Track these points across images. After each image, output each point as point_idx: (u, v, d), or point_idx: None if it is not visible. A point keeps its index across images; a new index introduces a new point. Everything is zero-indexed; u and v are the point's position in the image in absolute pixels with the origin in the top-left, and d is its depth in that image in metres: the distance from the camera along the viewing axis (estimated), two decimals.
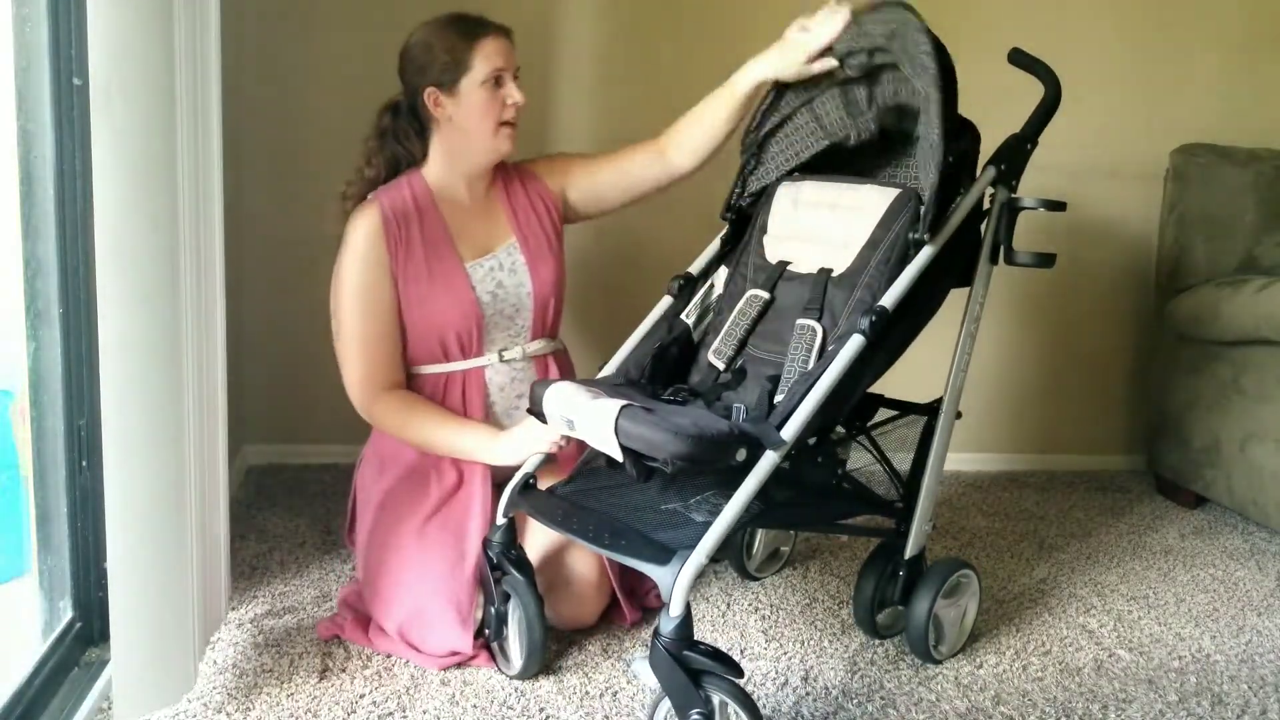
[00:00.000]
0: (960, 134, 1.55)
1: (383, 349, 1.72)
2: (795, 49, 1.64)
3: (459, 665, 1.60)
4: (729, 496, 1.28)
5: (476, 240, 1.78)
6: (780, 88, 1.70)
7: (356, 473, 1.87)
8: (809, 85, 1.67)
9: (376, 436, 1.84)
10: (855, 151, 1.73)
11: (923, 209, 1.47)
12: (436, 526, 1.68)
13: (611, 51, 2.55)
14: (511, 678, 1.57)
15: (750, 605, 1.88)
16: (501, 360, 1.78)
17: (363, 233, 1.71)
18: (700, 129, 1.79)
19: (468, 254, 1.76)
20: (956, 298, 1.62)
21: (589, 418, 1.33)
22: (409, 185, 1.76)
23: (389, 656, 1.62)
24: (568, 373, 1.89)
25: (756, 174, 1.74)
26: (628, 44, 2.55)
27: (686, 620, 1.24)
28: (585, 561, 1.69)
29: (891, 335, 1.46)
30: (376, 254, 1.71)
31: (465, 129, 1.72)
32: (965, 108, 1.60)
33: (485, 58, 1.67)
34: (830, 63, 1.62)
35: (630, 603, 1.75)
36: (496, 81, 1.69)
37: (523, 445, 1.61)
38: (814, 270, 1.59)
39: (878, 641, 1.75)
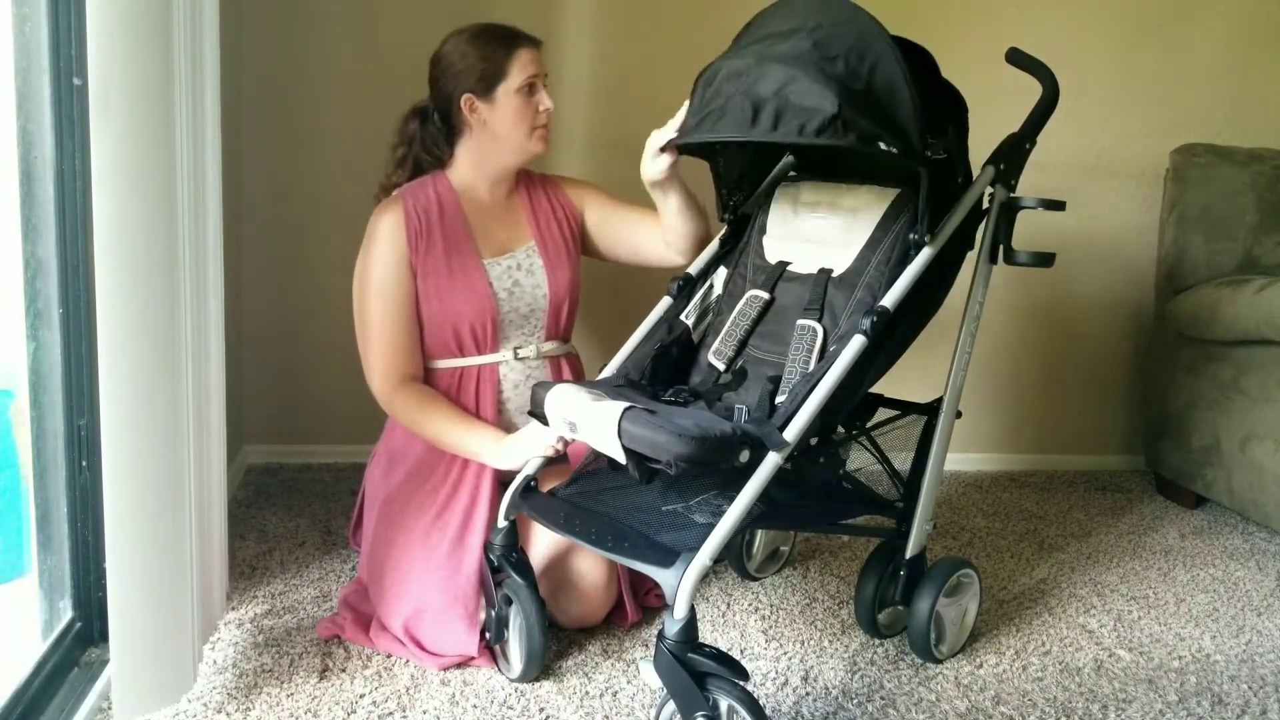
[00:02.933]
0: (936, 118, 1.50)
1: (404, 341, 1.75)
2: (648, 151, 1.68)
3: (459, 665, 1.60)
4: (730, 498, 1.28)
5: (496, 240, 1.82)
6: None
7: (367, 471, 1.88)
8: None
9: (388, 434, 1.85)
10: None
11: (919, 209, 1.46)
12: (442, 525, 1.68)
13: (608, 52, 2.55)
14: (511, 680, 1.57)
15: (750, 605, 1.88)
16: (516, 358, 1.81)
17: (384, 226, 1.75)
18: (667, 237, 1.83)
19: (487, 251, 1.80)
20: (957, 298, 1.62)
21: (591, 420, 1.33)
22: (433, 184, 1.81)
23: (389, 656, 1.62)
24: (579, 376, 1.91)
25: (735, 167, 1.71)
26: (625, 45, 2.55)
27: (691, 622, 1.24)
28: (592, 562, 1.69)
29: (892, 335, 1.46)
30: (398, 247, 1.74)
31: (498, 133, 1.76)
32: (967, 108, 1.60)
33: (522, 66, 1.73)
34: (665, 160, 1.64)
35: (632, 602, 1.76)
36: (530, 89, 1.75)
37: (525, 450, 1.61)
38: (814, 270, 1.59)
39: (878, 641, 1.75)
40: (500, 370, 1.80)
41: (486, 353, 1.79)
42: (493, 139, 1.77)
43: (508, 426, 1.77)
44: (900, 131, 1.37)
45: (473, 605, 1.62)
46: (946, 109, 1.57)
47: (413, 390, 1.75)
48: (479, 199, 1.83)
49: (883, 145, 1.34)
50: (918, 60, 1.56)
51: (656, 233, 1.86)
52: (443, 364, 1.79)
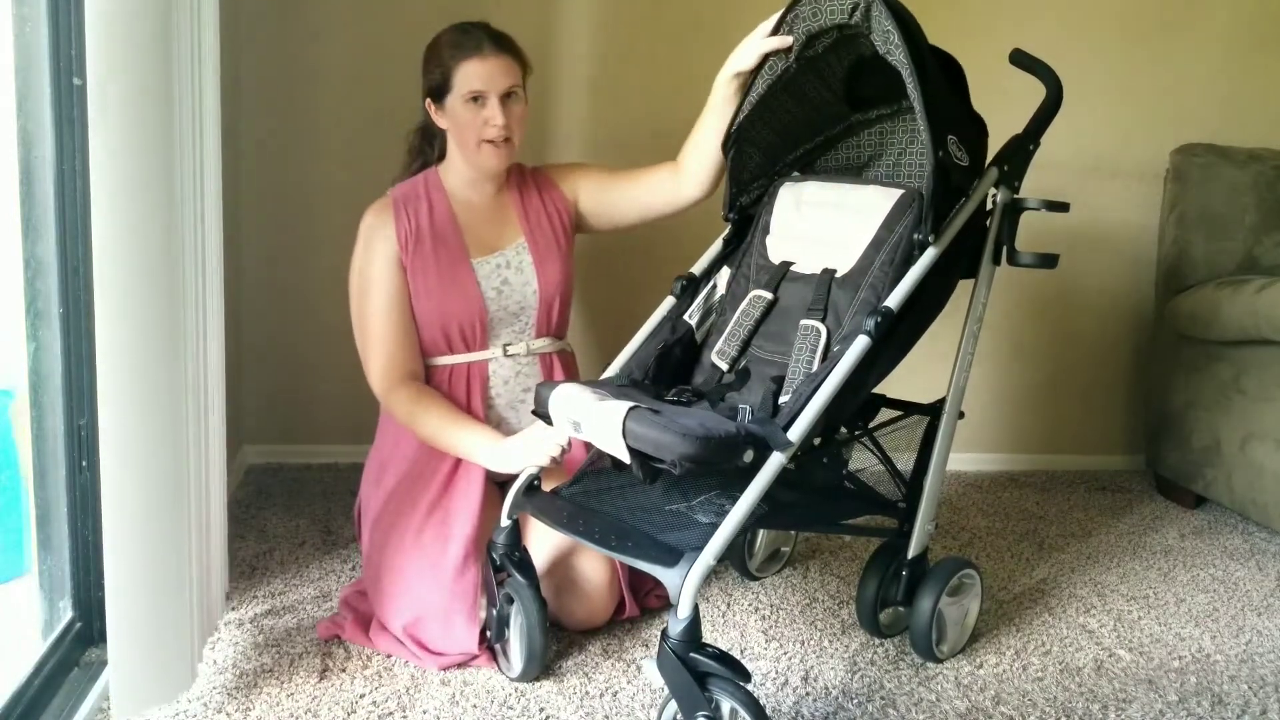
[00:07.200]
0: (960, 122, 1.53)
1: (401, 339, 1.77)
2: (746, 41, 1.64)
3: (460, 665, 1.59)
4: (733, 497, 1.28)
5: (485, 238, 1.82)
6: (753, 75, 1.64)
7: (361, 480, 1.87)
8: (778, 65, 1.61)
9: (378, 442, 1.85)
10: (858, 151, 1.73)
11: (923, 210, 1.46)
12: (436, 524, 1.68)
13: (609, 54, 2.54)
14: (511, 679, 1.56)
15: (750, 605, 1.88)
16: (506, 354, 1.81)
17: (374, 226, 1.77)
18: (698, 155, 1.77)
19: (475, 250, 1.80)
20: (959, 298, 1.62)
21: (596, 419, 1.32)
22: (424, 181, 1.83)
23: (389, 656, 1.62)
24: (572, 373, 1.92)
25: (748, 167, 1.70)
26: (626, 47, 2.55)
27: (694, 622, 1.24)
28: (595, 563, 1.69)
29: (896, 336, 1.46)
30: (387, 246, 1.76)
31: (454, 140, 1.78)
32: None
33: (464, 79, 1.70)
34: (784, 40, 1.57)
35: (632, 598, 1.75)
36: (477, 100, 1.71)
37: (523, 455, 1.60)
38: (817, 270, 1.59)
39: (878, 641, 1.75)
40: (489, 367, 1.81)
41: (476, 350, 1.80)
42: (455, 144, 1.79)
43: (496, 422, 1.79)
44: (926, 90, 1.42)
45: (471, 603, 1.61)
46: (977, 126, 1.59)
47: (409, 389, 1.76)
48: (467, 197, 1.83)
49: (916, 91, 1.41)
50: (952, 70, 1.57)
51: (658, 181, 1.83)
52: (433, 361, 1.80)
